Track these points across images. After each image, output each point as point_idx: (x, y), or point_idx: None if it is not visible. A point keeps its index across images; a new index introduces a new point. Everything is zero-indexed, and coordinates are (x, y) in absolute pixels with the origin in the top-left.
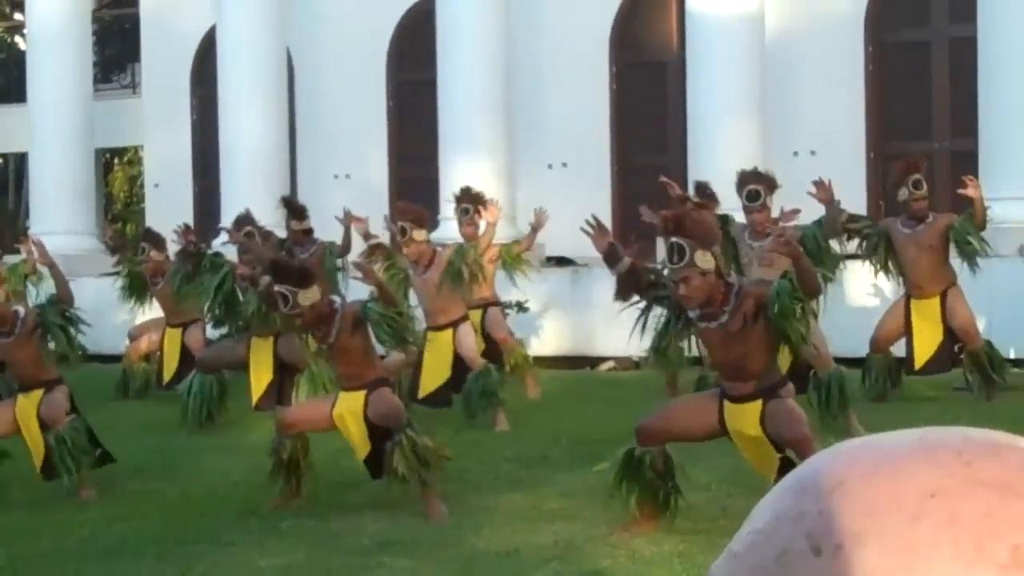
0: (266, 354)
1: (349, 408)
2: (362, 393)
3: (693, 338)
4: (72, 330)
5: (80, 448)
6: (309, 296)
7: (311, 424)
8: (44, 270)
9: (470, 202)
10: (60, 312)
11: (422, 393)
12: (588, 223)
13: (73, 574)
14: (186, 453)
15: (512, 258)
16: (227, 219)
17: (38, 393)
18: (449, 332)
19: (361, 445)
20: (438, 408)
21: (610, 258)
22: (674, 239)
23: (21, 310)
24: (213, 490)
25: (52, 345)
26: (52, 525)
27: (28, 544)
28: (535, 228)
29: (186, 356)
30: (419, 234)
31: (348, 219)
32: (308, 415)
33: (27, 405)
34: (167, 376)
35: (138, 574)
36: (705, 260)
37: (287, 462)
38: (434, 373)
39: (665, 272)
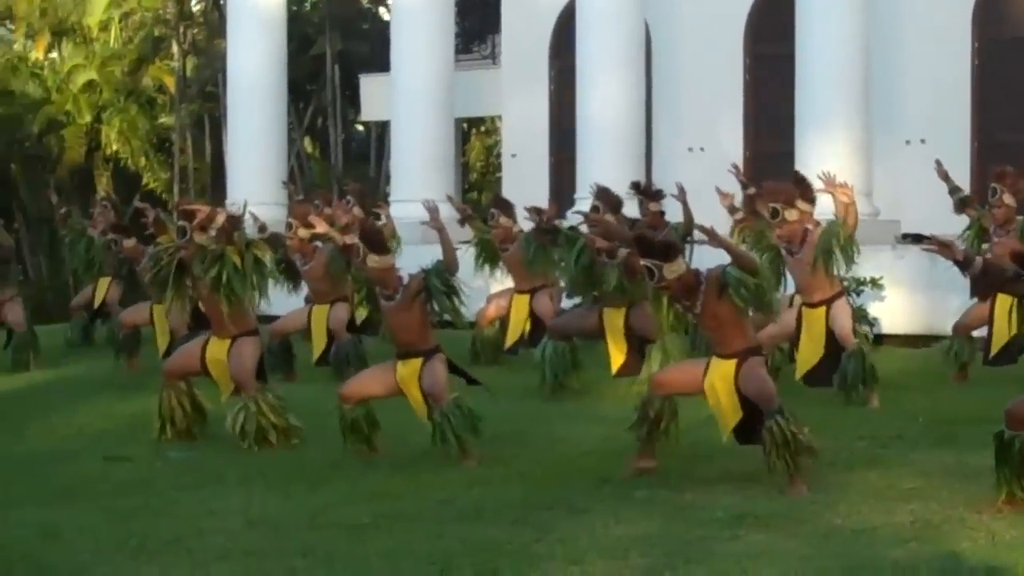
0: (618, 323)
1: (721, 375)
2: (733, 362)
3: None
4: (456, 298)
5: (463, 423)
6: (674, 269)
7: (682, 387)
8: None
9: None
10: (444, 279)
11: (800, 373)
12: (930, 243)
13: (433, 535)
14: (539, 420)
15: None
16: (582, 191)
17: (417, 362)
18: (823, 309)
19: (730, 414)
20: (817, 387)
21: (962, 264)
22: None
23: (405, 275)
24: (566, 457)
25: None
26: (413, 487)
27: (390, 504)
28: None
29: (535, 322)
30: (791, 214)
31: (682, 196)
32: (681, 378)
33: (406, 373)
34: (511, 340)
35: (495, 537)
36: None
37: (651, 420)
38: (809, 351)
39: None
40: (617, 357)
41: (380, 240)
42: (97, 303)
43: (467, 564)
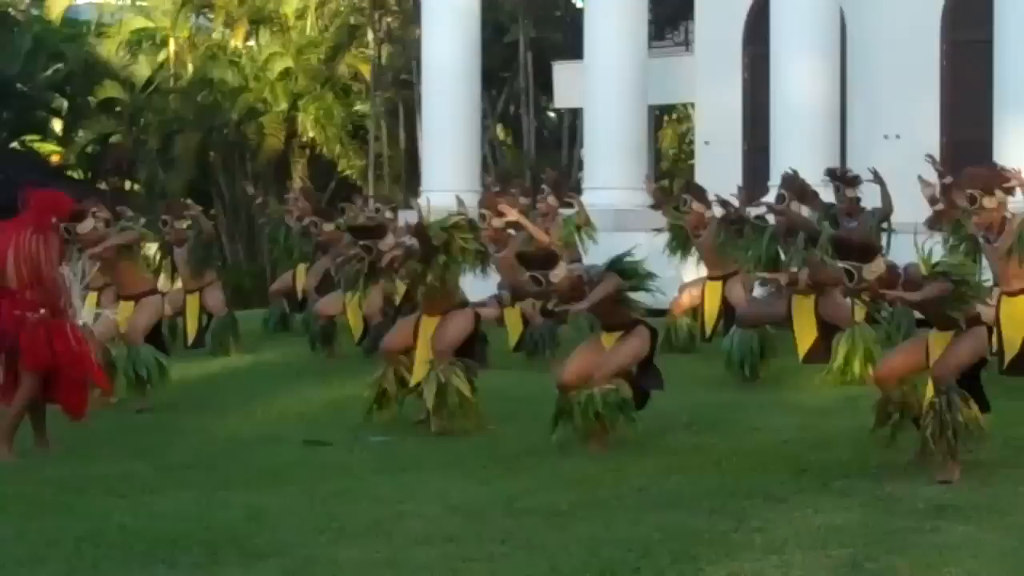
0: (808, 311)
1: (939, 346)
2: (949, 334)
3: None
4: (641, 280)
5: (615, 405)
6: (874, 269)
7: (910, 365)
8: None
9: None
10: (626, 271)
11: (1005, 363)
12: None
13: (631, 522)
14: (735, 408)
15: None
16: (775, 178)
17: (617, 336)
18: (1022, 299)
19: None
20: (1018, 376)
21: None
22: None
23: (583, 272)
24: (763, 446)
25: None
26: (609, 473)
27: (588, 491)
28: None
29: (728, 309)
30: (989, 201)
31: (878, 178)
32: (905, 358)
33: (609, 341)
34: (708, 329)
35: (693, 525)
36: None
37: (892, 414)
38: (1013, 342)
39: None
40: (804, 343)
41: (546, 256)
42: (300, 293)
43: (665, 552)
